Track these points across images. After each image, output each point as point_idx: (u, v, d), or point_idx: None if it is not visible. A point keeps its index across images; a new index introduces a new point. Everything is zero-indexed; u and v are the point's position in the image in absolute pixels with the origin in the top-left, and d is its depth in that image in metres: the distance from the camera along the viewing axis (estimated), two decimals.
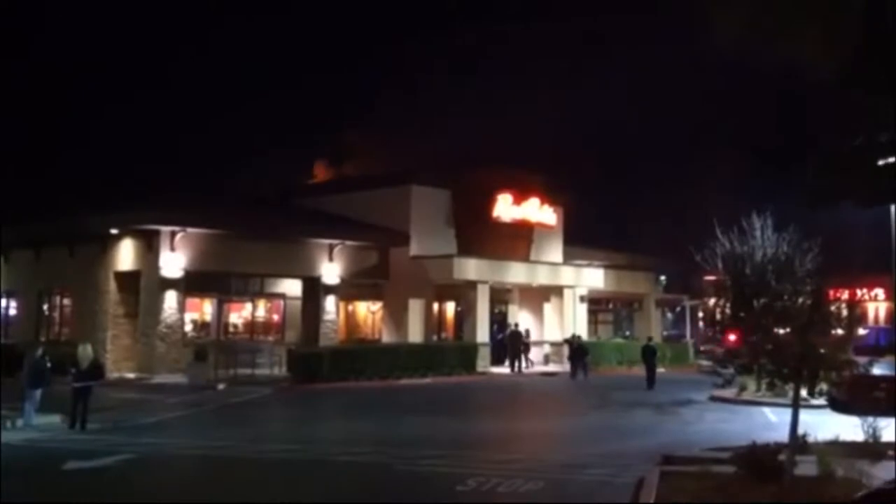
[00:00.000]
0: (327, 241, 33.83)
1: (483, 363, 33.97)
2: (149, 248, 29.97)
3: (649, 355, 31.10)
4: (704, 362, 31.40)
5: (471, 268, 34.91)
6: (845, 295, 48.50)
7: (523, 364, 35.97)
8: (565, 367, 37.42)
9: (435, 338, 36.73)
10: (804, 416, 11.73)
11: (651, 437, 17.76)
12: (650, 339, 35.70)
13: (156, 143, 50.81)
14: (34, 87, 49.05)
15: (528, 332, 37.94)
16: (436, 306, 37.57)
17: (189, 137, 51.98)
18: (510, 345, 35.74)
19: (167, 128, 52.63)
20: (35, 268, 34.48)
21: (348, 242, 34.41)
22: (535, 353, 38.36)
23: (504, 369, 35.43)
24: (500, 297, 38.99)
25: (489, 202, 36.94)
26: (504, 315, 39.67)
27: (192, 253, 30.24)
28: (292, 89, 64.68)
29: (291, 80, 64.21)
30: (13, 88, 44.69)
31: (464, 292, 35.69)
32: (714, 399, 25.27)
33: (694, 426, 20.08)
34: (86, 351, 19.02)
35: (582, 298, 40.22)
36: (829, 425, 15.41)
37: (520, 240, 38.42)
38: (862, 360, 12.87)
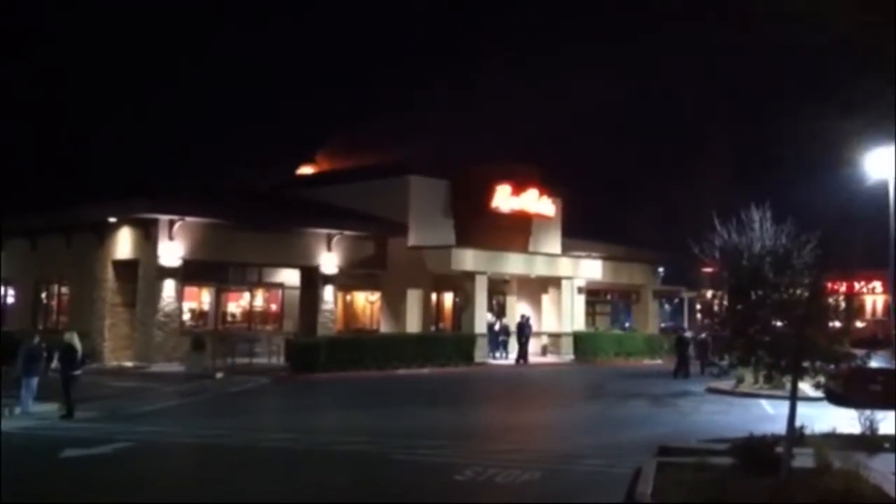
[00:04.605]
0: (326, 231, 33.81)
1: (481, 354, 34.01)
2: (147, 237, 29.94)
3: (682, 347, 31.32)
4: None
5: (469, 258, 34.89)
6: (843, 287, 48.61)
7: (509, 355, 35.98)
8: (563, 357, 37.57)
9: (433, 328, 36.75)
10: (801, 408, 11.72)
11: (648, 427, 17.79)
12: (683, 330, 35.83)
13: (155, 133, 50.69)
14: (33, 80, 48.97)
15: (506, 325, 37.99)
16: (434, 297, 37.58)
17: (188, 127, 51.89)
18: (517, 336, 35.74)
19: (166, 117, 52.53)
20: (32, 257, 34.45)
21: (347, 232, 34.39)
22: (532, 345, 38.41)
23: (500, 360, 35.54)
24: (499, 287, 39.01)
25: (488, 193, 36.87)
26: (502, 306, 39.77)
27: (191, 242, 30.20)
28: (290, 80, 64.59)
29: (290, 71, 64.13)
30: (13, 81, 44.62)
31: (462, 283, 35.70)
32: (711, 391, 25.33)
33: (691, 417, 20.11)
34: (71, 339, 19.08)
35: (580, 290, 40.26)
36: (826, 418, 15.46)
37: (518, 231, 38.37)
38: (859, 352, 12.88)
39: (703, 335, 29.52)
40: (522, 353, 35.30)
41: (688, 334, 33.06)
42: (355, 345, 30.71)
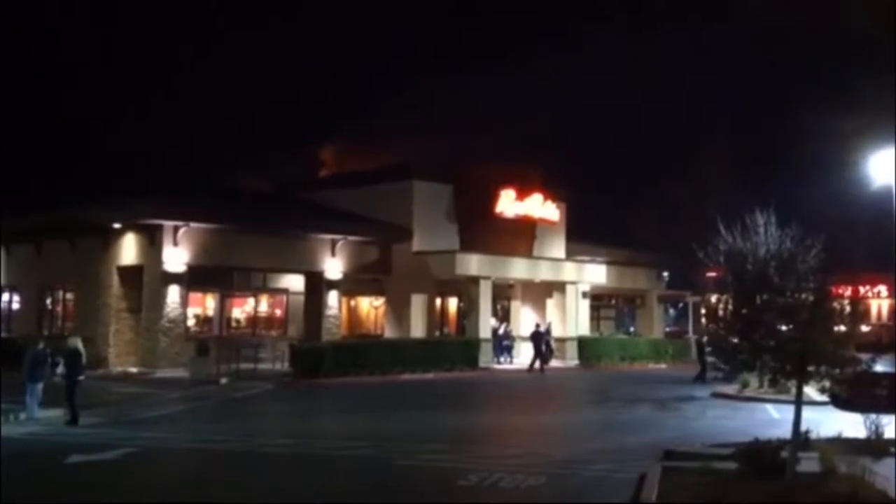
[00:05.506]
0: (330, 237, 33.83)
1: (485, 359, 33.97)
2: (151, 242, 29.98)
3: (702, 352, 31.31)
4: (709, 359, 31.44)
5: (473, 263, 34.88)
6: (848, 292, 48.59)
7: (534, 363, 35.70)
8: (567, 362, 37.45)
9: (437, 333, 36.73)
10: (807, 412, 11.70)
11: (653, 432, 17.74)
12: (704, 336, 35.78)
13: (159, 138, 50.79)
14: (36, 82, 49.10)
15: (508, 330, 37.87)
16: (438, 302, 37.58)
17: (192, 132, 51.98)
18: (532, 344, 35.48)
19: (170, 122, 52.65)
20: (37, 262, 34.50)
21: (351, 238, 34.40)
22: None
23: (505, 365, 35.52)
24: (503, 292, 38.97)
25: (492, 197, 36.86)
26: (507, 311, 39.74)
27: (195, 247, 30.24)
28: (295, 84, 64.69)
29: (294, 74, 64.23)
30: (17, 83, 44.73)
31: (466, 288, 35.68)
32: (716, 395, 25.28)
33: (696, 422, 20.05)
34: (76, 344, 19.11)
35: (584, 294, 40.19)
36: (831, 422, 15.39)
37: (522, 235, 38.37)
38: (864, 356, 12.85)
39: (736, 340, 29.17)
40: (537, 360, 34.47)
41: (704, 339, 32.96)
42: (359, 350, 30.69)
